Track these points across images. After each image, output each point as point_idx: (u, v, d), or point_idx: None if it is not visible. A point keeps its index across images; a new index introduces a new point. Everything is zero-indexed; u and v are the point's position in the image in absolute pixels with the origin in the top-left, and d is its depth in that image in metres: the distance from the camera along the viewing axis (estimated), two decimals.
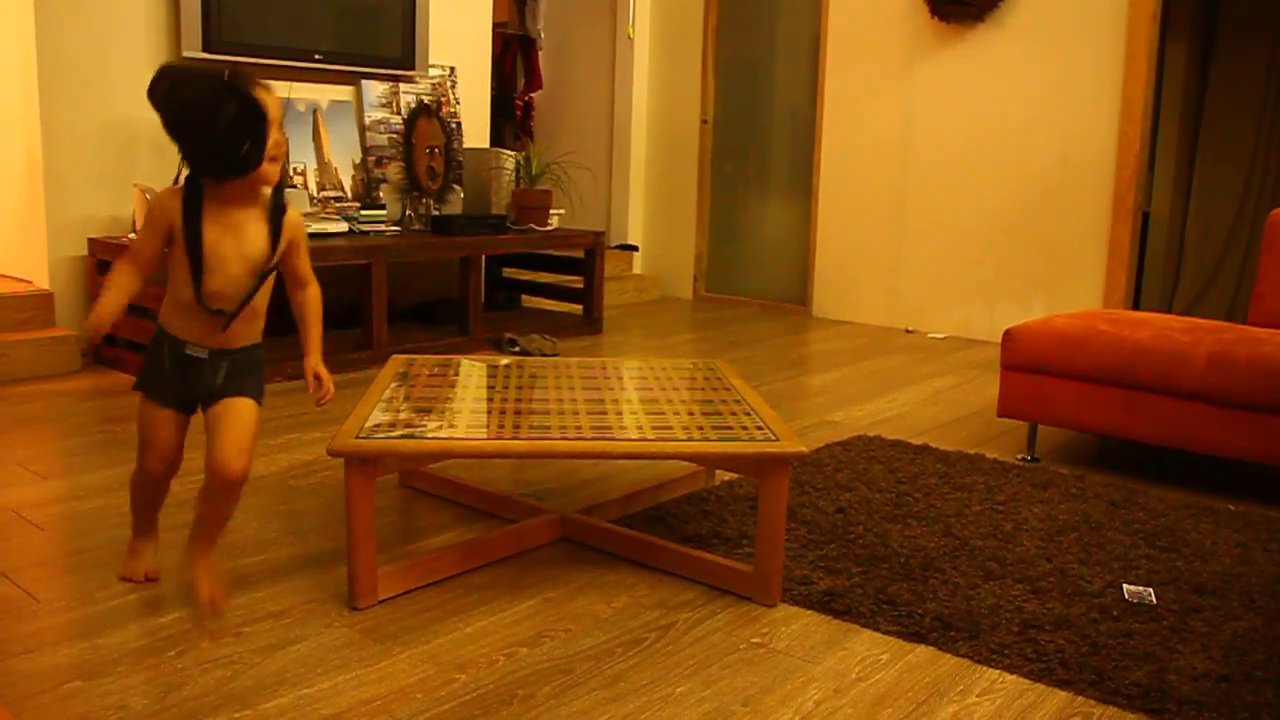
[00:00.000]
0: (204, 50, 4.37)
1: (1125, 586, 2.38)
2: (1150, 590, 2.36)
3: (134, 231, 4.18)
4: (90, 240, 4.26)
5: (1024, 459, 3.41)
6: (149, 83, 1.95)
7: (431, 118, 4.93)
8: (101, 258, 4.22)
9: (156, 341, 2.13)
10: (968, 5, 5.42)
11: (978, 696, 1.91)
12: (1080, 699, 1.91)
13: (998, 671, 2.00)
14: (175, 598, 2.20)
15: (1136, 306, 5.72)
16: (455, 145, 5.08)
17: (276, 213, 2.09)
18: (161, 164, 4.41)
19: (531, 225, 5.26)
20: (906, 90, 5.77)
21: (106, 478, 2.93)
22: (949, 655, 2.06)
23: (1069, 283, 5.31)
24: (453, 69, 5.49)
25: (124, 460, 3.07)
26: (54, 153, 4.16)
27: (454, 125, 5.35)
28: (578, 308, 5.57)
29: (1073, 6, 5.18)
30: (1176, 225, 6.96)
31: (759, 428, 2.30)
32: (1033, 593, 2.33)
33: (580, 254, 5.46)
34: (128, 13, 4.29)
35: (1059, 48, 5.24)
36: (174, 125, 1.94)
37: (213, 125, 1.92)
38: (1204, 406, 3.06)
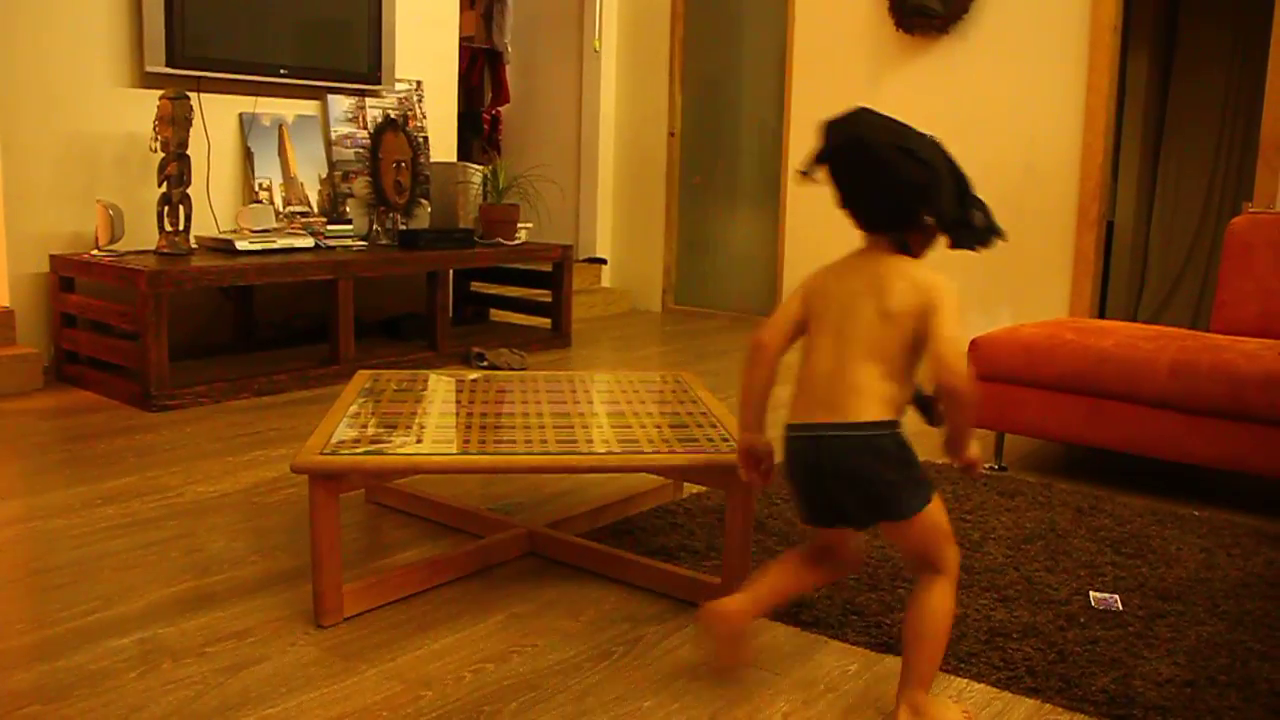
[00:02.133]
0: (167, 66, 4.33)
1: (1092, 594, 2.39)
2: (1116, 597, 2.37)
3: (96, 247, 4.14)
4: (52, 257, 4.21)
5: (991, 468, 3.43)
6: (907, 140, 1.81)
7: (398, 132, 4.91)
8: (63, 274, 4.17)
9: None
10: (932, 18, 5.46)
11: None
12: (1047, 706, 1.92)
13: (965, 680, 2.00)
14: (136, 619, 2.17)
15: (1102, 315, 5.77)
16: (422, 160, 5.06)
17: None
18: (124, 180, 4.38)
19: (499, 239, 5.24)
20: (872, 102, 5.75)
21: (67, 498, 2.89)
22: None
23: (1035, 292, 5.35)
24: (419, 83, 5.48)
25: (86, 479, 3.04)
26: (13, 169, 4.12)
27: (421, 139, 5.33)
28: (546, 321, 5.56)
29: (1035, 19, 5.24)
30: (1140, 234, 7.04)
31: (724, 439, 2.30)
32: (1000, 601, 2.34)
33: (548, 268, 5.45)
34: (89, 28, 4.26)
35: (1022, 60, 5.29)
36: (944, 175, 1.80)
37: (966, 195, 1.84)
38: (1168, 413, 3.09)
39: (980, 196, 1.85)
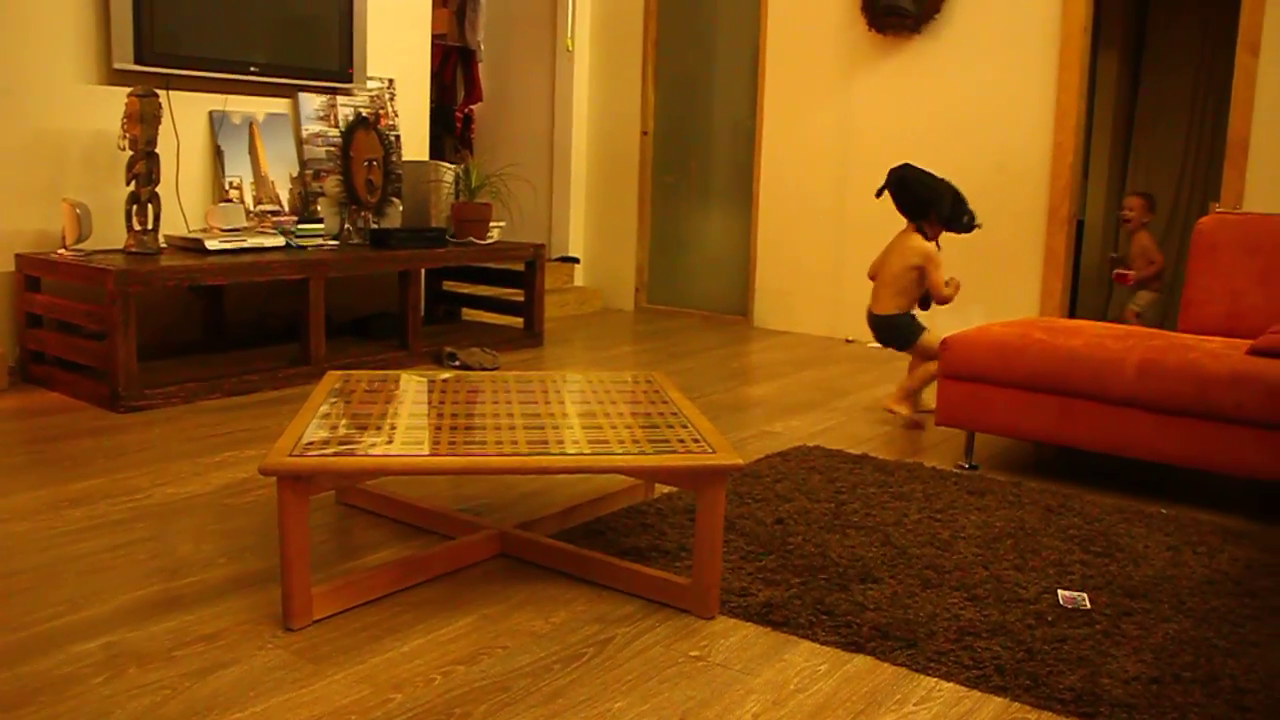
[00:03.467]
0: (136, 63, 4.30)
1: (1060, 592, 2.41)
2: (1084, 595, 2.39)
3: (63, 246, 4.10)
4: (18, 256, 4.16)
5: (962, 467, 3.45)
6: (920, 176, 3.96)
7: (370, 130, 4.89)
8: (30, 273, 4.13)
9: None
10: (904, 18, 5.49)
11: (915, 705, 1.92)
12: (1016, 705, 1.93)
13: (935, 679, 2.01)
14: (102, 623, 2.15)
15: (1072, 314, 5.81)
16: (394, 158, 5.04)
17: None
18: (92, 178, 4.33)
19: (471, 238, 5.23)
20: (845, 101, 5.82)
21: (32, 500, 2.86)
22: (887, 664, 2.07)
23: (1006, 291, 5.39)
24: (391, 81, 5.45)
25: (52, 481, 3.01)
26: None
27: (393, 138, 5.31)
28: (519, 321, 5.55)
29: (1007, 19, 5.27)
30: (1110, 233, 7.09)
31: (695, 440, 2.30)
32: (969, 600, 2.35)
33: (521, 267, 5.44)
34: (56, 25, 4.21)
35: (994, 59, 5.32)
36: (946, 196, 3.98)
37: (959, 206, 4.02)
38: (1136, 412, 3.11)
39: (971, 209, 4.02)
